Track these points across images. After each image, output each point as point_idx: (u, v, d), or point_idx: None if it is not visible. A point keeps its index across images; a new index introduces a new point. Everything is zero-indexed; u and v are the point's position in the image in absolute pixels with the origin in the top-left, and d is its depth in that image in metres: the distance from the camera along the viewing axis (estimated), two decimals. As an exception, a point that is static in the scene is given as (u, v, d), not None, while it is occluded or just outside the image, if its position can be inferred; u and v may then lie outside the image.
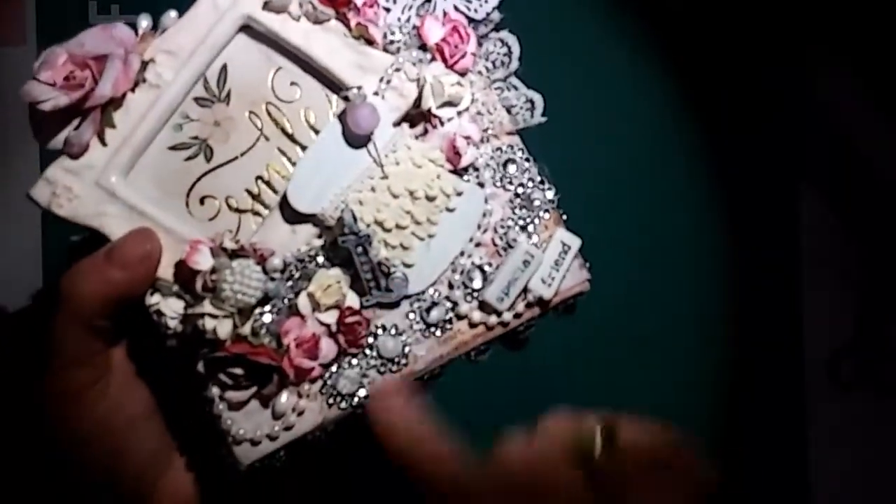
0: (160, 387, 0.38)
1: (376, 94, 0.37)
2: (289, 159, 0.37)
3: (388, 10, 0.37)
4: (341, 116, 0.36)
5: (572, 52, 0.69)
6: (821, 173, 0.72)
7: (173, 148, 0.36)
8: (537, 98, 0.39)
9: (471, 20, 0.38)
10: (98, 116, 0.35)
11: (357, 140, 0.36)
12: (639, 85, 0.70)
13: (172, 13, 0.37)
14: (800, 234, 0.71)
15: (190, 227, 0.36)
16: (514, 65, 0.39)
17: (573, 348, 0.66)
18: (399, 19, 0.37)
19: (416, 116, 0.38)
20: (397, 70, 0.37)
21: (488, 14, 0.38)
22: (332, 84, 0.37)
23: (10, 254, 0.68)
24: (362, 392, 0.37)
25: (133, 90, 0.35)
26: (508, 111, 0.40)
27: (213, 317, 0.35)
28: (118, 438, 0.36)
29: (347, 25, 0.37)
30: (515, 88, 0.39)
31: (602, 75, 0.70)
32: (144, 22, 0.37)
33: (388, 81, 0.37)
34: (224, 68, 0.36)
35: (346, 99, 0.36)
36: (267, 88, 0.37)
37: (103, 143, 0.36)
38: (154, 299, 0.36)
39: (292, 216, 0.36)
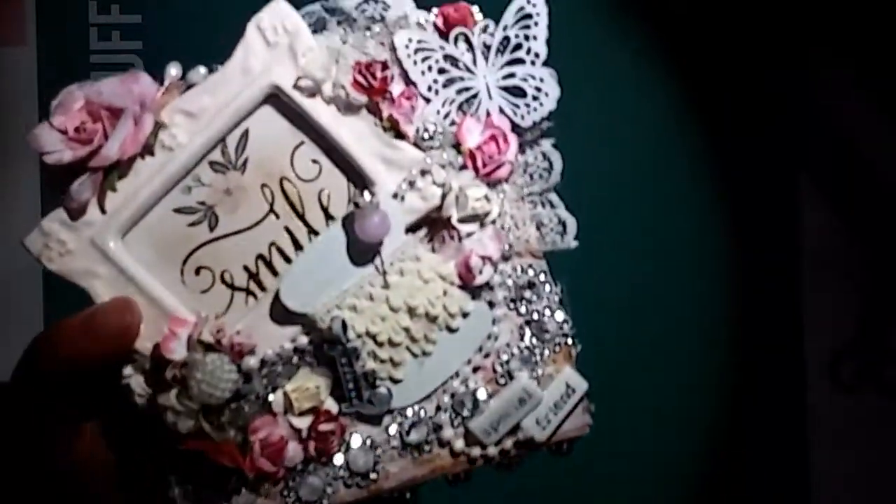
0: (132, 442, 0.37)
1: (395, 195, 0.34)
2: (295, 241, 0.34)
3: (427, 100, 0.34)
4: (349, 219, 0.33)
5: (575, 54, 0.69)
6: (823, 176, 0.72)
7: (178, 210, 0.34)
8: (570, 221, 0.36)
9: (515, 125, 0.34)
10: (99, 178, 0.33)
11: (363, 246, 0.33)
12: (641, 87, 0.70)
13: (202, 69, 0.35)
14: (801, 237, 0.71)
15: (180, 297, 0.34)
16: (554, 180, 0.36)
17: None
18: (438, 112, 0.34)
19: (434, 221, 0.35)
20: (424, 173, 0.34)
21: (535, 123, 0.35)
22: (353, 171, 0.34)
23: (9, 253, 0.68)
24: (324, 503, 0.35)
25: (143, 155, 0.33)
26: (538, 228, 0.36)
27: (176, 412, 0.33)
28: (91, 485, 0.35)
29: (379, 115, 0.34)
30: (551, 206, 0.36)
31: (605, 77, 0.69)
32: (173, 70, 0.35)
33: (412, 183, 0.34)
34: (245, 135, 0.34)
35: (356, 205, 0.33)
36: (286, 162, 0.34)
37: (102, 208, 0.33)
38: (127, 371, 0.34)
39: (281, 312, 0.34)
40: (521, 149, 0.35)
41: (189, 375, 0.32)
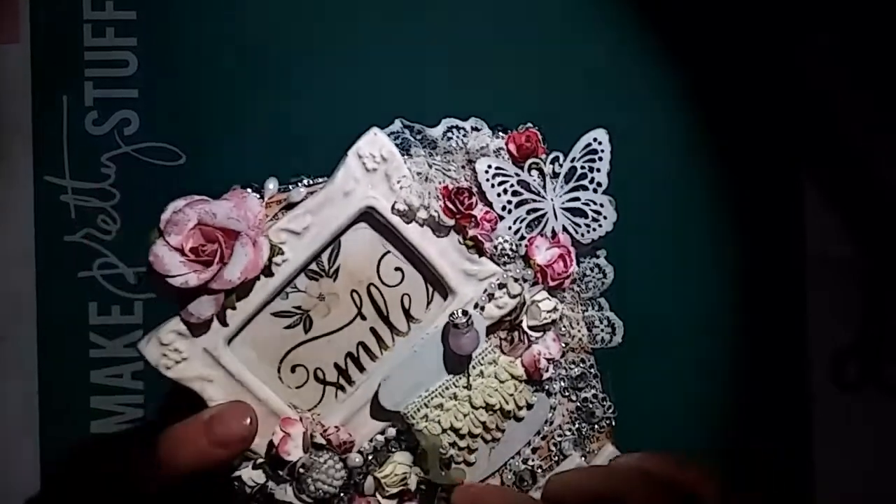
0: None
1: (477, 305, 0.38)
2: (379, 340, 0.38)
3: (501, 217, 0.38)
4: (444, 334, 0.37)
5: (568, 50, 0.69)
6: (824, 173, 0.72)
7: (276, 314, 0.37)
8: (618, 323, 0.41)
9: (575, 241, 0.39)
10: (221, 299, 0.36)
11: (456, 358, 0.38)
12: (642, 87, 0.70)
13: (302, 190, 0.37)
14: (803, 235, 0.71)
15: (278, 392, 0.37)
16: (605, 287, 0.40)
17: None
18: (510, 227, 0.38)
19: (505, 324, 0.39)
20: (501, 286, 0.38)
21: (593, 241, 0.39)
22: (435, 279, 0.38)
23: (2, 248, 0.68)
24: None
25: (259, 276, 0.36)
26: (589, 329, 0.41)
27: None
28: None
29: (463, 234, 0.38)
30: (600, 308, 0.41)
31: (600, 76, 0.70)
32: (272, 185, 0.38)
33: (491, 295, 0.38)
34: (338, 246, 0.38)
35: (454, 325, 0.37)
36: (373, 270, 0.38)
37: (223, 323, 0.36)
38: (240, 466, 0.37)
39: (377, 408, 0.38)
40: (578, 260, 0.40)
41: (306, 474, 0.36)
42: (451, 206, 0.37)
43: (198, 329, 0.36)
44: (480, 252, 0.38)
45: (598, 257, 0.40)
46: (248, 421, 0.36)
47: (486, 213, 0.37)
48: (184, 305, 0.36)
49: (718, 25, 0.71)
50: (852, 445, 0.72)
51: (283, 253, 0.36)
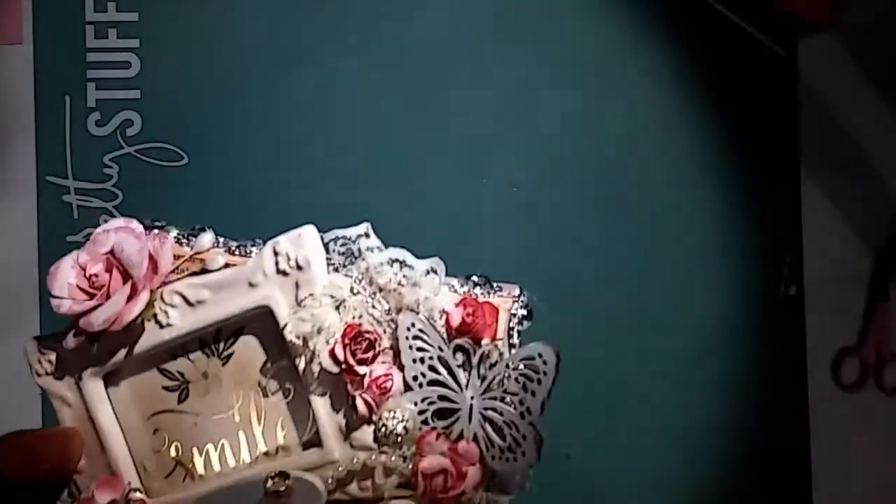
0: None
1: (333, 476, 0.33)
2: (237, 448, 0.35)
3: (409, 388, 0.31)
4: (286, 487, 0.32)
5: (563, 46, 0.69)
6: (824, 173, 0.72)
7: (161, 371, 0.36)
8: None
9: (482, 463, 0.31)
10: (82, 339, 0.34)
11: None
12: (641, 86, 0.70)
13: (221, 259, 0.35)
14: (802, 233, 0.71)
15: (137, 445, 0.35)
16: None
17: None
18: (416, 405, 0.31)
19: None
20: (368, 468, 0.32)
21: (505, 472, 0.31)
22: (312, 418, 0.34)
23: (6, 250, 0.68)
24: None
25: (135, 322, 0.34)
26: None
27: None
28: None
29: (344, 390, 0.32)
30: None
31: (593, 73, 0.70)
32: (206, 238, 0.36)
33: (351, 475, 0.32)
34: (239, 331, 0.35)
35: (273, 492, 0.32)
36: (263, 376, 0.35)
37: (98, 360, 0.35)
38: (62, 496, 0.36)
39: None
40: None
41: None
42: (340, 351, 0.31)
43: (74, 352, 0.35)
44: (358, 416, 0.32)
45: (504, 489, 0.31)
46: (71, 451, 0.35)
47: (383, 377, 0.31)
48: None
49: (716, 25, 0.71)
50: (852, 445, 0.71)
51: (165, 316, 0.34)
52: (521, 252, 0.67)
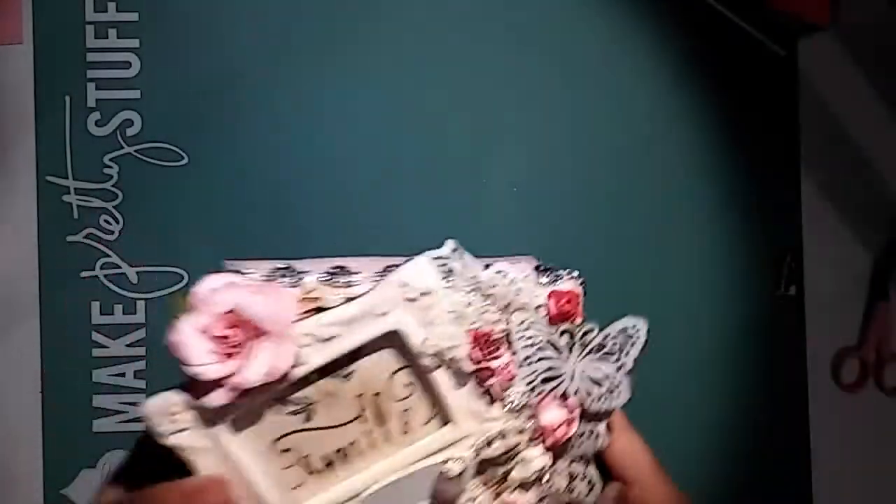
0: None
1: (476, 449, 0.39)
2: (373, 446, 0.39)
3: (520, 365, 0.38)
4: (436, 472, 0.38)
5: (563, 46, 0.70)
6: (824, 173, 0.72)
7: (281, 399, 0.37)
8: (598, 483, 0.40)
9: (583, 408, 0.39)
10: (235, 394, 0.35)
11: (440, 493, 0.39)
12: (637, 85, 0.70)
13: (336, 297, 0.37)
14: (802, 233, 0.71)
15: (264, 470, 0.38)
16: (596, 448, 0.40)
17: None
18: (525, 378, 0.38)
19: (489, 467, 0.39)
20: (502, 435, 0.38)
21: (603, 411, 0.39)
22: (440, 407, 0.39)
23: (6, 250, 0.68)
24: None
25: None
26: (570, 481, 0.41)
27: None
28: None
29: (480, 381, 0.38)
30: (586, 464, 0.40)
31: (592, 74, 0.70)
32: (309, 279, 0.37)
33: (490, 441, 0.39)
34: (357, 352, 0.38)
35: (445, 475, 0.38)
36: (384, 381, 0.38)
37: (234, 431, 0.37)
38: None
39: None
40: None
41: None
42: (476, 353, 0.38)
43: (209, 415, 0.36)
44: (491, 397, 0.39)
45: (596, 426, 0.40)
46: (228, 497, 0.37)
47: (508, 364, 0.38)
48: (193, 381, 0.36)
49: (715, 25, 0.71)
50: (852, 445, 0.72)
51: (306, 363, 0.37)
52: (521, 252, 0.67)
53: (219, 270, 0.37)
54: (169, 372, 0.68)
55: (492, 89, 0.69)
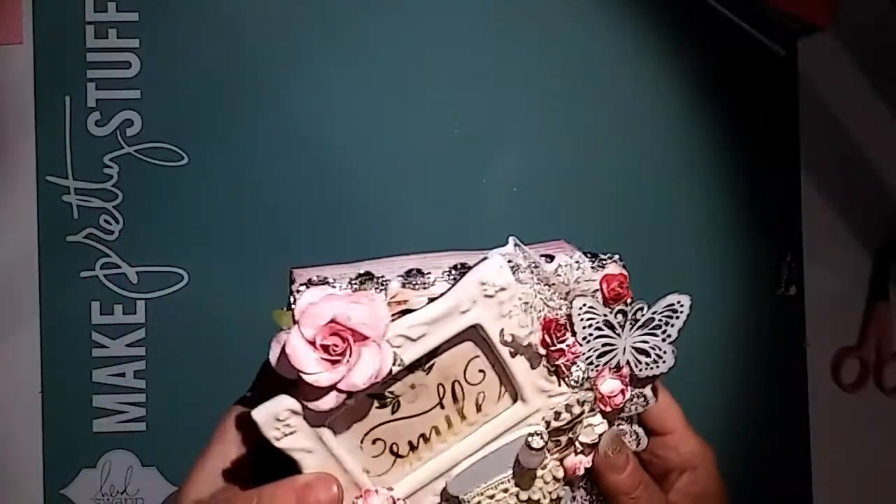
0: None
1: (546, 421, 0.43)
2: (450, 426, 0.43)
3: (580, 344, 0.43)
4: (518, 447, 0.43)
5: (563, 47, 0.70)
6: (824, 173, 0.72)
7: (370, 395, 0.41)
8: (644, 438, 0.45)
9: (633, 374, 0.43)
10: (343, 397, 0.39)
11: (521, 466, 0.43)
12: (637, 86, 0.71)
13: (423, 299, 0.41)
14: (802, 234, 0.71)
15: (359, 460, 0.42)
16: (644, 409, 0.45)
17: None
18: (584, 354, 0.43)
19: (555, 434, 0.44)
20: (567, 407, 0.43)
21: (650, 376, 0.43)
22: (511, 387, 0.43)
23: (5, 248, 0.68)
24: None
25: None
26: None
27: None
28: None
29: (550, 361, 0.42)
30: (631, 423, 0.45)
31: (592, 74, 0.70)
32: (395, 284, 0.41)
33: (558, 413, 0.43)
34: (439, 347, 0.41)
35: (529, 447, 0.42)
36: (461, 369, 0.42)
37: (333, 429, 0.41)
38: None
39: (443, 489, 0.43)
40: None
41: None
42: (548, 338, 0.42)
43: (315, 416, 0.40)
44: (558, 375, 0.43)
45: (644, 389, 0.45)
46: (335, 491, 0.41)
47: (573, 345, 0.42)
48: (302, 388, 0.39)
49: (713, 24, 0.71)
50: (852, 445, 0.72)
51: (402, 362, 0.40)
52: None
53: (292, 279, 0.41)
54: (169, 372, 0.68)
55: (492, 89, 0.69)
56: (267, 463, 0.41)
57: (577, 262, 0.43)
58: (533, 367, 0.42)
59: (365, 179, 0.68)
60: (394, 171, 0.68)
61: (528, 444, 0.42)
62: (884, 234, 0.73)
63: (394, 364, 0.40)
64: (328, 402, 0.39)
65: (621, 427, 0.45)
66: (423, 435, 0.43)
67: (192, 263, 0.67)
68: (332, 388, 0.39)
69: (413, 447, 0.43)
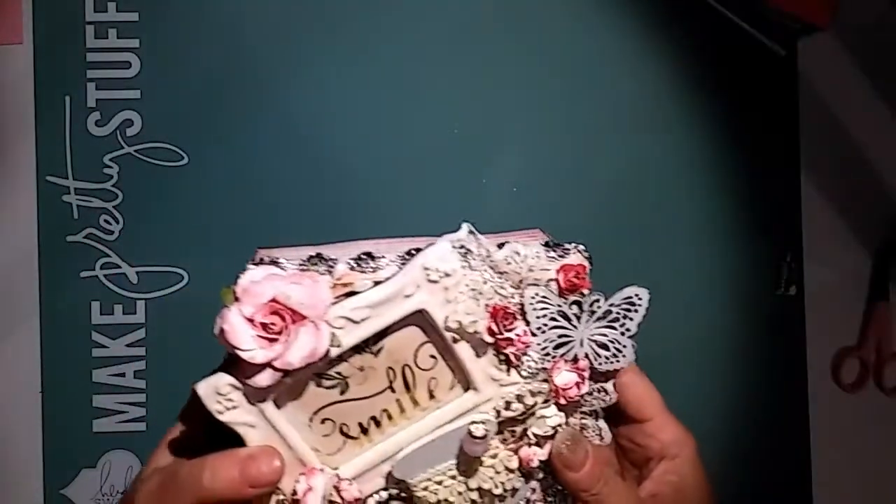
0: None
1: (496, 410, 0.43)
2: (403, 412, 0.43)
3: (534, 335, 0.42)
4: (463, 434, 0.42)
5: (563, 47, 0.70)
6: (824, 173, 0.72)
7: (318, 375, 0.42)
8: (608, 434, 0.44)
9: (592, 368, 0.43)
10: (279, 375, 0.39)
11: (467, 453, 0.43)
12: (641, 86, 0.71)
13: (368, 281, 0.41)
14: (802, 234, 0.71)
15: (306, 438, 0.42)
16: (605, 404, 0.44)
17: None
18: (539, 345, 0.42)
19: (509, 423, 0.44)
20: (519, 397, 0.43)
21: (609, 371, 0.43)
22: (462, 375, 0.43)
23: (6, 248, 0.68)
24: None
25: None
26: (581, 431, 0.45)
27: None
28: None
29: (498, 350, 0.42)
30: (596, 418, 0.44)
31: (592, 74, 0.70)
32: (341, 266, 0.41)
33: (508, 403, 0.43)
34: (386, 329, 0.42)
35: (471, 435, 0.42)
36: (410, 355, 0.42)
37: (277, 405, 0.41)
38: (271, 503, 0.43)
39: (389, 473, 0.43)
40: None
41: None
42: (494, 327, 0.41)
43: (254, 393, 0.41)
44: (508, 364, 0.43)
45: (605, 384, 0.44)
46: (277, 464, 0.41)
47: (523, 334, 0.42)
48: (241, 364, 0.39)
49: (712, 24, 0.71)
50: (852, 445, 0.72)
51: (340, 344, 0.40)
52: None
53: (252, 258, 0.41)
54: (169, 372, 0.68)
55: (492, 89, 0.69)
56: (222, 437, 0.41)
57: (536, 251, 0.43)
58: (479, 356, 0.42)
59: (365, 179, 0.68)
60: (394, 171, 0.68)
61: (469, 433, 0.42)
62: (884, 234, 0.73)
63: (332, 345, 0.40)
64: (264, 378, 0.39)
65: (584, 422, 0.44)
66: (373, 418, 0.43)
67: (192, 263, 0.67)
68: (268, 365, 0.39)
69: (364, 429, 0.43)
